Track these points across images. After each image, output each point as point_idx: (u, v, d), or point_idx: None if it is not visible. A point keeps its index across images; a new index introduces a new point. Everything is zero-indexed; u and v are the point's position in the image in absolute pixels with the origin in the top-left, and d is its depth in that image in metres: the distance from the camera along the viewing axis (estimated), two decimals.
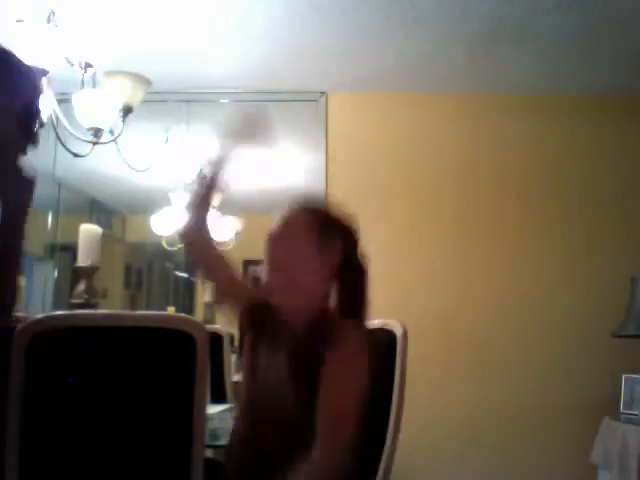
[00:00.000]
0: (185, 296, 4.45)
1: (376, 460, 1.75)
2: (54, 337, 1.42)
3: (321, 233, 1.41)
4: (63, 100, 2.65)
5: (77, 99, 2.54)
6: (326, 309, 1.43)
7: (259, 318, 1.50)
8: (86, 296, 2.55)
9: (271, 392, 1.41)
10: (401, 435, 1.69)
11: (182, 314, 1.52)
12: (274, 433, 1.39)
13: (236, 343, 4.07)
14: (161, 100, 3.34)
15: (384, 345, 1.78)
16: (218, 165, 1.53)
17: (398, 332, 1.76)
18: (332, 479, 1.27)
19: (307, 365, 1.32)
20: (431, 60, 3.28)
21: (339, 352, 1.30)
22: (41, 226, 3.81)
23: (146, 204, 3.88)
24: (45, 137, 2.61)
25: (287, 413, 1.36)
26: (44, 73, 2.43)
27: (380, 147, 3.61)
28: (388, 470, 1.69)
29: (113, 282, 4.08)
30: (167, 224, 3.76)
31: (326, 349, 1.30)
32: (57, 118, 2.59)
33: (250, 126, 1.53)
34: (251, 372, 1.49)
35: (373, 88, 3.60)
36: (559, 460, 3.28)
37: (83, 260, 2.59)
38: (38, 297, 3.84)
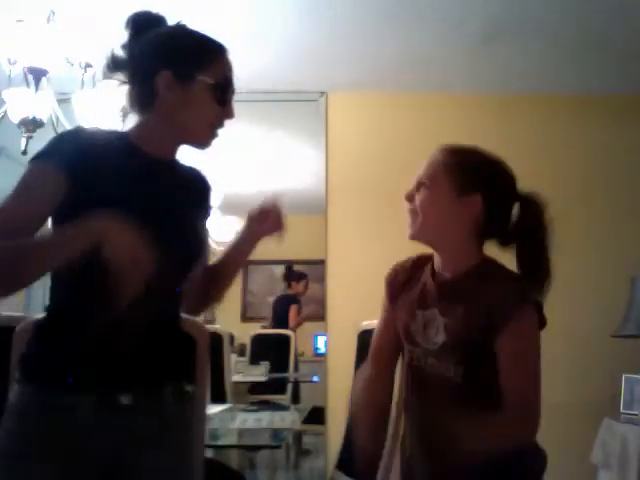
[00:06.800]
0: None
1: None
2: None
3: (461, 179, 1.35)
4: (63, 100, 2.66)
5: (77, 99, 2.54)
6: (483, 263, 1.37)
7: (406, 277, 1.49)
8: None
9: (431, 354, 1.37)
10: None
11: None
12: (435, 399, 1.38)
13: (236, 343, 4.07)
14: None
15: None
16: None
17: None
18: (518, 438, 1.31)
19: (477, 332, 1.29)
20: (430, 60, 3.27)
21: (516, 324, 1.30)
22: None
23: None
24: (45, 137, 2.63)
25: (448, 380, 1.35)
26: (44, 73, 2.44)
27: (380, 147, 3.60)
28: (387, 467, 1.69)
29: None
30: None
31: (500, 318, 1.27)
32: (57, 118, 2.60)
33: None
34: (406, 333, 1.43)
35: (373, 88, 3.60)
36: (559, 460, 3.26)
37: None
38: (38, 297, 3.83)
